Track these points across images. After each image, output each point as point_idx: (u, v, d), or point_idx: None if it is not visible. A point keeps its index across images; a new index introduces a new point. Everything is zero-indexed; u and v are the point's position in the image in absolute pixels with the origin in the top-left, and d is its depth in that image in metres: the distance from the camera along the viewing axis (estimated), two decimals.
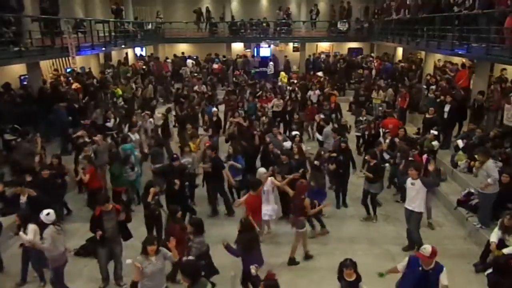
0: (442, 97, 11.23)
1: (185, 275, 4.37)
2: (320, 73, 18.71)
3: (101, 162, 8.92)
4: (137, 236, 7.22)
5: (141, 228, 7.06)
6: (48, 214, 5.65)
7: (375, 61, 20.06)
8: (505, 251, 5.81)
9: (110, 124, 11.07)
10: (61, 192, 8.16)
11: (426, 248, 4.73)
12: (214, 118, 11.59)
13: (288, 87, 16.65)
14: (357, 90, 16.47)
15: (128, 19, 20.20)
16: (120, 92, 14.45)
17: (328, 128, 10.65)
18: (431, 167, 7.33)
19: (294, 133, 10.03)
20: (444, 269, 4.77)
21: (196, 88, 15.68)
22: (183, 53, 22.83)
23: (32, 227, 5.77)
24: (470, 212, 7.92)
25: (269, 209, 7.23)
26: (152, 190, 6.82)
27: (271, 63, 22.36)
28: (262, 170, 7.56)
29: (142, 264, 4.77)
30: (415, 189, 6.75)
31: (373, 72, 19.05)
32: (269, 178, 7.32)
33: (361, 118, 11.78)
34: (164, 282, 5.13)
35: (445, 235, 7.78)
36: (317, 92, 15.23)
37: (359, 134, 11.79)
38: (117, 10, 18.50)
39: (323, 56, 22.47)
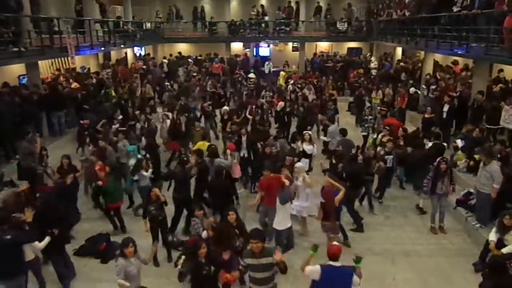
0: (446, 98, 11.24)
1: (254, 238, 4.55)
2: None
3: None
4: (135, 237, 7.27)
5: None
6: None
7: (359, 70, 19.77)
8: (504, 250, 5.83)
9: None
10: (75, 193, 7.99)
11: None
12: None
13: (289, 87, 16.69)
14: (357, 89, 16.49)
15: (127, 19, 20.21)
16: (113, 93, 14.36)
17: (333, 127, 10.72)
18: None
19: (305, 132, 10.11)
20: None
21: None
22: (179, 53, 22.81)
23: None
24: (469, 211, 7.93)
25: (298, 204, 7.31)
26: (154, 192, 6.66)
27: (270, 63, 22.36)
28: (300, 164, 7.74)
29: (126, 268, 4.92)
30: None
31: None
32: (302, 174, 7.31)
33: (366, 117, 11.80)
34: (140, 283, 5.20)
35: (444, 235, 7.79)
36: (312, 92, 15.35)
37: (365, 133, 11.76)
38: (101, 10, 17.45)
39: (320, 55, 22.57)
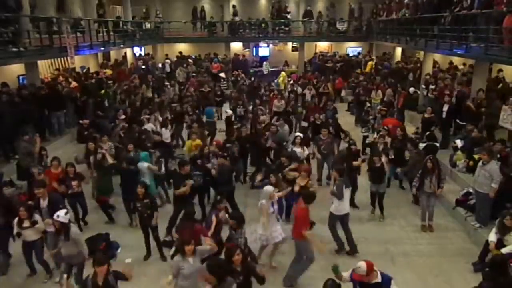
0: (445, 98, 11.25)
1: (212, 274, 4.27)
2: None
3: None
4: (134, 236, 7.26)
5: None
6: (66, 213, 5.62)
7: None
8: (504, 250, 5.84)
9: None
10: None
11: (361, 267, 4.44)
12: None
13: (288, 87, 16.68)
14: (356, 89, 16.48)
15: (127, 19, 20.18)
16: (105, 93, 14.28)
17: (286, 128, 10.79)
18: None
19: (296, 134, 9.90)
20: (392, 281, 4.56)
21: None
22: (180, 52, 22.77)
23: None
24: (469, 212, 7.93)
25: (279, 228, 6.48)
26: (138, 190, 6.76)
27: (268, 63, 22.33)
28: (269, 188, 6.51)
29: (179, 264, 4.76)
30: None
31: None
32: (276, 194, 6.59)
33: (367, 118, 11.83)
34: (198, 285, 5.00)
35: (444, 234, 7.79)
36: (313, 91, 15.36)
37: (366, 134, 11.72)
38: (59, 6, 15.63)
39: (319, 56, 22.56)
